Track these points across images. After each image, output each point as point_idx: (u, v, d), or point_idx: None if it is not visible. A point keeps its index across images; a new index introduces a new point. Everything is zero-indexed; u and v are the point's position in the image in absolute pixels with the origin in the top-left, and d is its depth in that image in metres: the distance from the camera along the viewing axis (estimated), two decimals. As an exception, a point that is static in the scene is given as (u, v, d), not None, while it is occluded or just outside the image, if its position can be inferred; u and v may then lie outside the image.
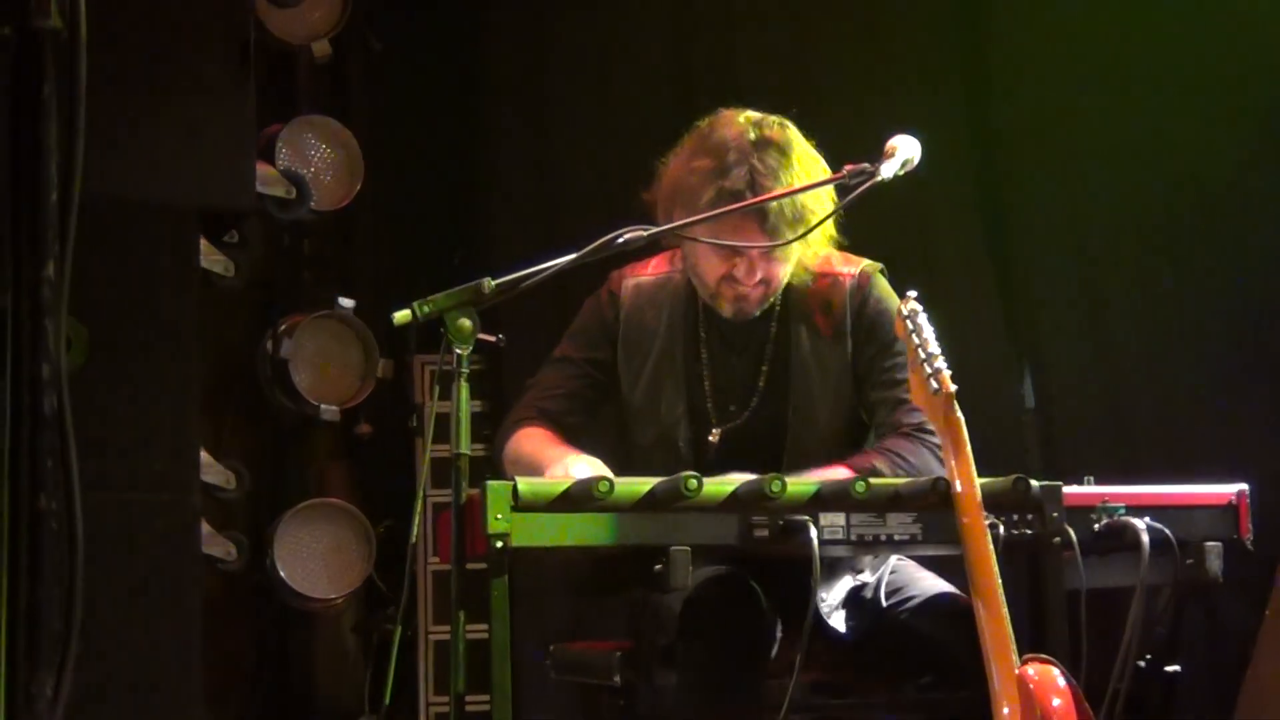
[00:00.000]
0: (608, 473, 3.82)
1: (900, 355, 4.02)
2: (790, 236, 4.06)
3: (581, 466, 3.89)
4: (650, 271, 4.43)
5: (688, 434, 4.27)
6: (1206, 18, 6.03)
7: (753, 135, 4.15)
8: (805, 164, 4.14)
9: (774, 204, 4.03)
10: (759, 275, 4.15)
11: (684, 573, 3.51)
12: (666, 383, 4.30)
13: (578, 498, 3.53)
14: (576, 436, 4.31)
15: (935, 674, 3.97)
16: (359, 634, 6.42)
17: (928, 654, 3.99)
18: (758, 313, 4.26)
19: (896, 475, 3.99)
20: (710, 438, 4.28)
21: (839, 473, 3.94)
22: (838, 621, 4.08)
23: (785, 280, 4.24)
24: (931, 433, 3.99)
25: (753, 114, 4.24)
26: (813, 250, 4.25)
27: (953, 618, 3.90)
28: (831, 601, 4.11)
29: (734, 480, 3.69)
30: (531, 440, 4.23)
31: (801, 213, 4.07)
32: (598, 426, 4.45)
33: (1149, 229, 6.20)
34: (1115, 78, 6.21)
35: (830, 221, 4.14)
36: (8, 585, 2.13)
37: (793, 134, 4.20)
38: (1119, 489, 3.92)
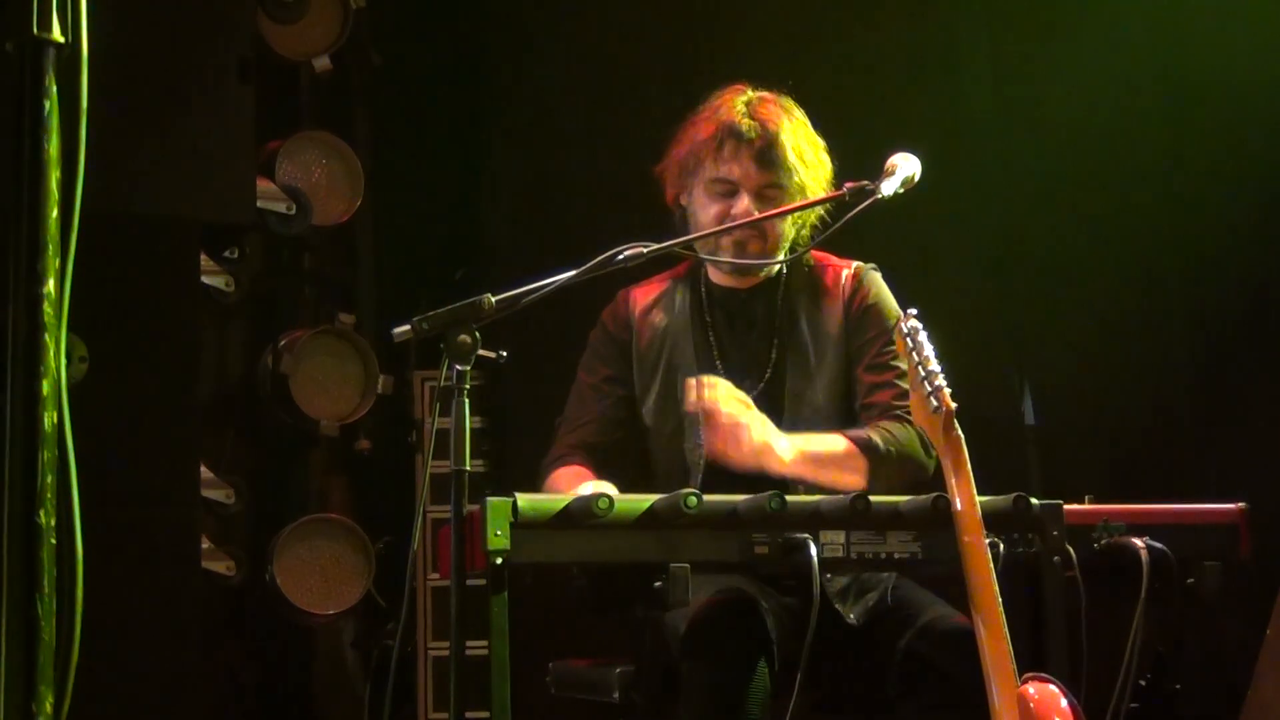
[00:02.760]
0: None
1: (893, 344, 4.04)
2: (782, 180, 4.30)
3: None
4: (653, 285, 4.55)
5: (674, 446, 4.33)
6: (1214, 32, 6.02)
7: (749, 93, 4.44)
8: (804, 122, 4.42)
9: (767, 136, 4.30)
10: (754, 213, 4.26)
11: (684, 590, 3.51)
12: (681, 371, 4.37)
13: (577, 514, 3.53)
14: (617, 456, 4.40)
15: (936, 694, 3.96)
16: (358, 650, 6.41)
17: (928, 674, 3.97)
18: (759, 271, 4.41)
19: (888, 450, 4.13)
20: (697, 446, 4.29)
21: (837, 440, 4.14)
22: (845, 609, 4.12)
23: (783, 243, 4.38)
24: None
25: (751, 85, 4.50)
26: (806, 227, 4.43)
27: (953, 638, 3.90)
28: (840, 584, 4.16)
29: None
30: (566, 479, 4.26)
31: (797, 164, 4.31)
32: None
33: (1151, 246, 6.19)
34: (1119, 94, 6.20)
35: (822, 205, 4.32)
36: (7, 601, 2.13)
37: (792, 101, 4.46)
38: (1119, 507, 3.92)
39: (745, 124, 4.31)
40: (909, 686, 4.00)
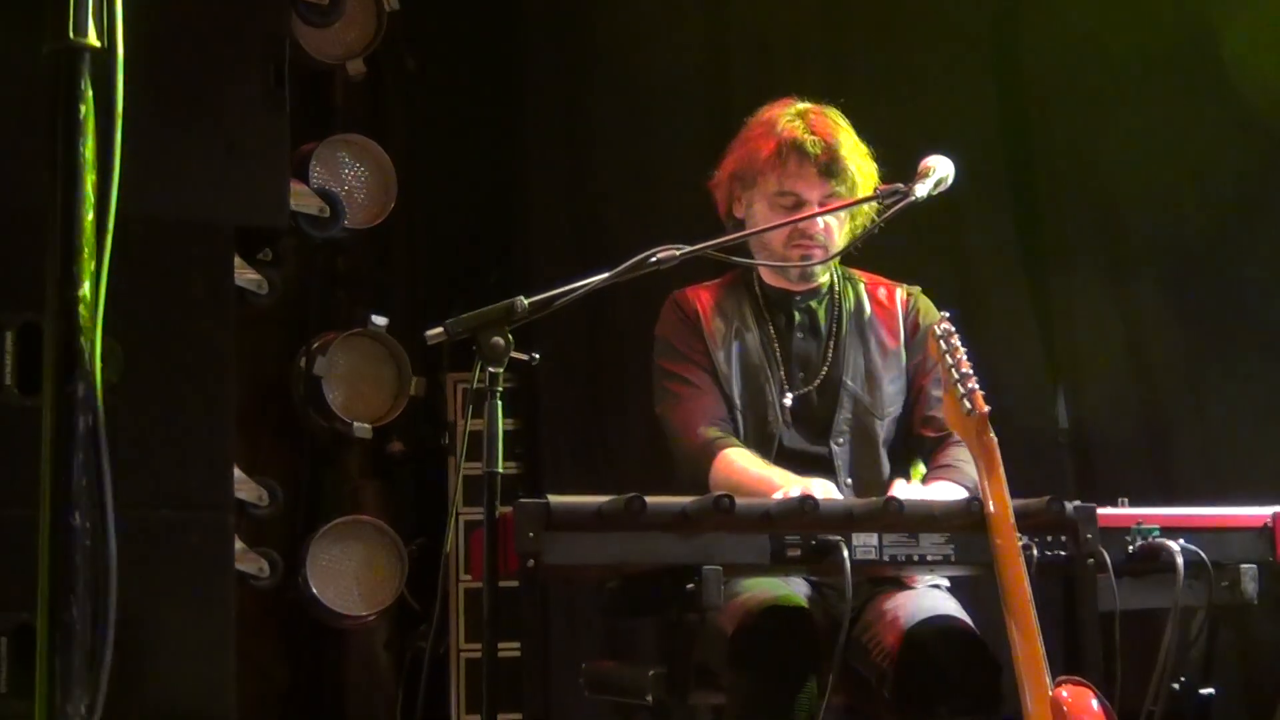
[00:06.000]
0: (835, 493, 3.97)
1: None
2: (842, 190, 4.38)
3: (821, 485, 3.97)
4: (709, 286, 4.62)
5: (755, 414, 4.42)
6: (1250, 34, 6.00)
7: (800, 107, 4.52)
8: (848, 127, 4.51)
9: (829, 149, 4.39)
10: (821, 224, 4.40)
11: (716, 592, 3.50)
12: (749, 356, 4.46)
13: (610, 516, 3.53)
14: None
15: (956, 700, 3.93)
16: (391, 651, 6.42)
17: (939, 678, 3.95)
18: (822, 275, 4.51)
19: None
20: (785, 401, 4.42)
21: (953, 489, 4.15)
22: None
23: (839, 248, 4.45)
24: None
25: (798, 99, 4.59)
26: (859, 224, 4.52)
27: (961, 640, 3.93)
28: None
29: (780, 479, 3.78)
30: (747, 463, 4.26)
31: (856, 174, 4.41)
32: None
33: (1185, 248, 6.17)
34: (1152, 96, 6.19)
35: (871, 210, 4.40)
36: (42, 603, 2.14)
37: (838, 112, 4.55)
38: (1154, 510, 3.90)
39: (808, 139, 4.39)
40: (930, 692, 3.97)
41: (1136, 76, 6.21)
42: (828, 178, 4.39)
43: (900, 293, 4.59)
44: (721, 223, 4.60)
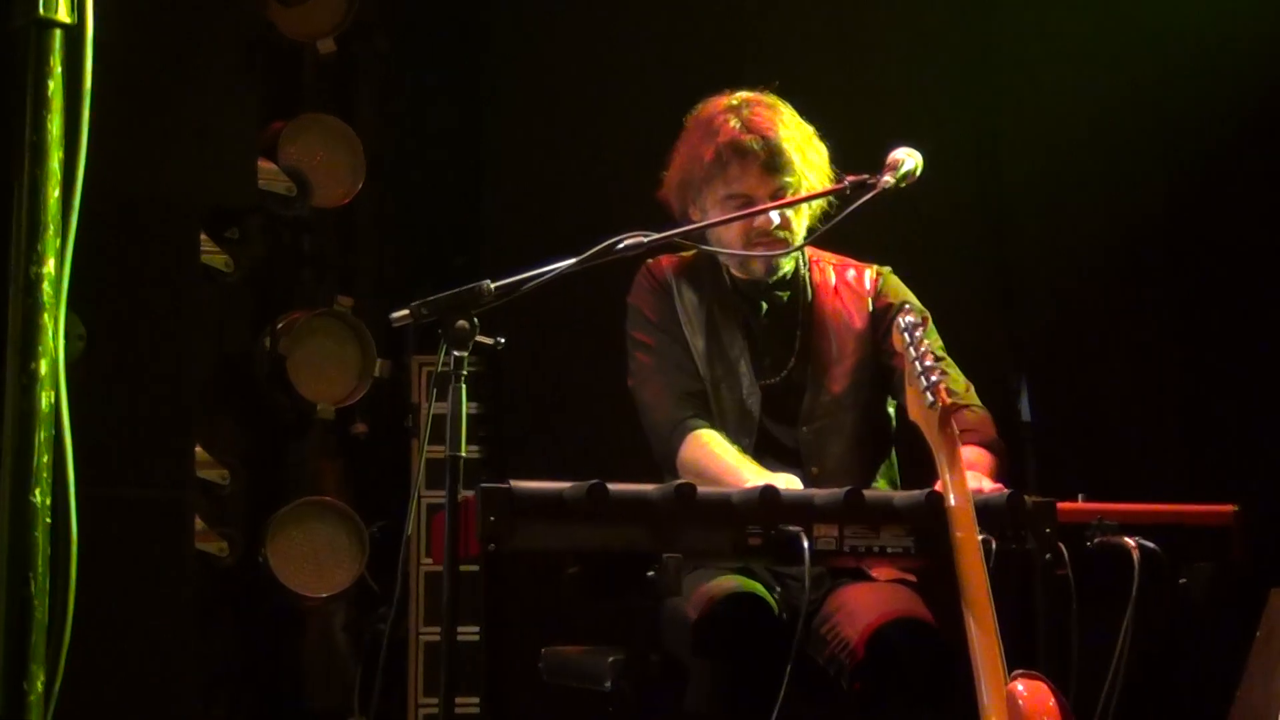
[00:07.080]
0: (798, 485, 3.95)
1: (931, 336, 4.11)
2: (790, 180, 4.33)
3: (785, 479, 3.96)
4: (678, 257, 4.58)
5: (732, 393, 4.41)
6: (1217, 27, 6.03)
7: (735, 100, 4.47)
8: (793, 115, 4.45)
9: (769, 144, 4.33)
10: (777, 220, 4.34)
11: (676, 580, 3.51)
12: (713, 346, 4.44)
13: (572, 502, 3.53)
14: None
15: (916, 695, 3.94)
16: (350, 633, 6.41)
17: (902, 677, 3.96)
18: (787, 264, 4.48)
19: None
20: (751, 391, 4.41)
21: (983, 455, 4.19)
22: None
23: (802, 233, 4.41)
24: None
25: (734, 91, 4.53)
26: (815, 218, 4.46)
27: (918, 632, 3.95)
28: None
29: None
30: (716, 448, 4.26)
31: (801, 163, 4.36)
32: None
33: (1151, 244, 6.20)
34: (1120, 90, 6.21)
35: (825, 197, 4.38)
36: (3, 581, 2.13)
37: (775, 97, 4.49)
38: (1113, 506, 3.92)
39: (746, 139, 4.34)
40: (884, 688, 3.99)
41: (1106, 69, 6.23)
42: (772, 173, 4.34)
43: (869, 273, 4.56)
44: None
